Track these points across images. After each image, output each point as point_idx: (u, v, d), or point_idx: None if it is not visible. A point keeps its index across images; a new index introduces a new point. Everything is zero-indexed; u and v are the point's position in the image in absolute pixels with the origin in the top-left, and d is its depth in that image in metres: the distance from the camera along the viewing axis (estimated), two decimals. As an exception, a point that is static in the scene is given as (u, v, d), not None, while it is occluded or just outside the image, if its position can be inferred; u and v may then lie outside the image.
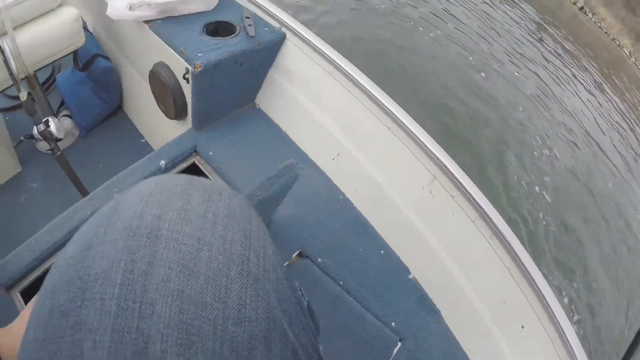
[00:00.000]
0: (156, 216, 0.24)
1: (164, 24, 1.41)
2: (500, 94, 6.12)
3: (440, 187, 1.29)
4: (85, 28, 1.95)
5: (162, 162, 1.39)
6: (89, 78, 2.05)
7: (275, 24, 1.52)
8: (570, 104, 7.88)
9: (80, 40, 1.73)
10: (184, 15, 1.45)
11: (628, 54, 19.84)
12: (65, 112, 2.15)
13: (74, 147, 2.11)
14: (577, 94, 8.81)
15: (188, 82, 1.35)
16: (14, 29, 1.54)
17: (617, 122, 9.21)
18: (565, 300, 3.55)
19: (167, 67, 1.45)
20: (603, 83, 11.43)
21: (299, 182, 1.49)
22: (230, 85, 1.47)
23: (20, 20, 1.57)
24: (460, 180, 1.22)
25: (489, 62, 6.93)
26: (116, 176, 1.34)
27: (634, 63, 19.28)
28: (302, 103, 1.55)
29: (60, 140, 1.63)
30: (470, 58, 6.61)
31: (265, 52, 1.49)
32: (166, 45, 1.38)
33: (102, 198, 1.27)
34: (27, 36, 1.58)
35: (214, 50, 1.34)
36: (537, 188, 4.62)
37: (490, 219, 1.19)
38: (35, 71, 1.69)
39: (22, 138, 1.71)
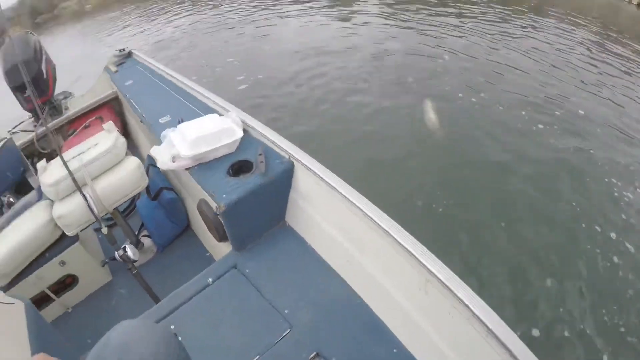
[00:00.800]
0: None
1: (199, 170, 1.73)
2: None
3: (434, 289, 1.34)
4: (153, 165, 2.42)
5: (210, 279, 1.68)
6: (160, 205, 2.49)
7: (285, 155, 1.76)
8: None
9: (144, 183, 2.14)
10: (213, 160, 1.77)
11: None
12: (145, 232, 2.60)
13: (153, 261, 2.53)
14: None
15: (220, 217, 1.64)
16: (92, 180, 1.99)
17: None
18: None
19: (207, 203, 1.75)
20: None
21: (319, 289, 1.66)
22: (255, 213, 1.71)
23: (97, 172, 2.03)
24: (450, 285, 1.27)
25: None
26: (176, 290, 1.66)
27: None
28: (319, 221, 1.73)
29: (136, 261, 2.01)
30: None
31: (279, 182, 1.73)
32: (201, 188, 1.69)
33: (166, 307, 1.61)
34: (103, 184, 2.01)
35: (235, 189, 1.61)
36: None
37: (482, 320, 1.20)
38: (114, 208, 2.14)
39: (106, 260, 2.10)
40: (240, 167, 1.74)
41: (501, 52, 7.72)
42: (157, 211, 2.51)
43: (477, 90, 6.07)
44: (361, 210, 1.50)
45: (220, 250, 2.09)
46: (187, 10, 13.46)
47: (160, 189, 2.37)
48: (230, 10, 12.65)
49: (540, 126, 5.22)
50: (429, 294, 1.37)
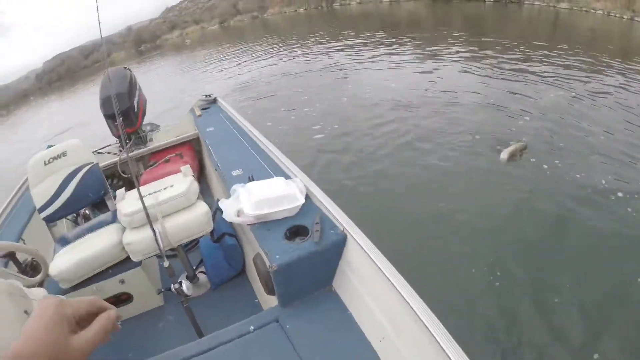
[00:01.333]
0: None
1: (259, 228, 1.85)
2: None
3: None
4: (221, 210, 2.64)
5: (252, 327, 1.77)
6: (221, 247, 2.67)
7: (339, 226, 1.85)
8: None
9: (209, 228, 2.32)
10: (274, 220, 1.89)
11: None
12: (202, 268, 2.78)
13: (205, 297, 2.69)
14: None
15: (271, 274, 1.73)
16: (163, 217, 2.21)
17: None
18: None
19: (262, 258, 1.86)
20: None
21: (352, 357, 1.67)
22: (304, 277, 1.80)
23: (168, 211, 2.24)
24: None
25: None
26: (220, 330, 1.78)
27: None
28: (362, 292, 1.78)
29: (188, 296, 2.17)
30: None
31: (331, 251, 1.80)
32: (258, 244, 1.81)
33: (206, 343, 1.72)
34: (172, 223, 2.22)
35: (289, 253, 1.71)
36: None
37: None
38: (178, 245, 2.34)
39: (162, 289, 2.27)
40: (297, 231, 1.85)
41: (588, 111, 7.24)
42: (216, 252, 2.68)
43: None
44: (402, 296, 1.54)
45: (268, 301, 2.19)
46: (276, 53, 14.33)
47: (223, 234, 2.56)
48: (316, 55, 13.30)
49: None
50: None
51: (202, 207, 2.33)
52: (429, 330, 1.45)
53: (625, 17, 17.15)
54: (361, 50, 13.87)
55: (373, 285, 1.72)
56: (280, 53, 14.68)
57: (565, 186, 4.94)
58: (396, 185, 5.24)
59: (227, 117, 3.81)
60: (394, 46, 13.94)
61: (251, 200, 1.89)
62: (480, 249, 3.98)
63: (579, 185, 4.94)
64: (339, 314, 1.84)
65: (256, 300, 2.57)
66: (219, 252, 2.67)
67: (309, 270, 1.79)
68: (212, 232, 2.67)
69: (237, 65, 13.44)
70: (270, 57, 14.04)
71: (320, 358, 1.65)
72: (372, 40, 15.41)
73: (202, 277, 2.74)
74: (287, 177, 2.27)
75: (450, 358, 1.35)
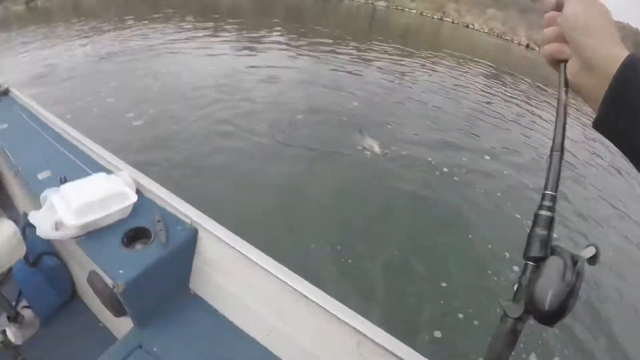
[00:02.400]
0: None
1: (88, 240, 1.54)
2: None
3: (367, 350, 1.35)
4: (32, 225, 2.13)
5: None
6: (40, 270, 2.17)
7: (187, 220, 1.66)
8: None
9: (21, 251, 1.86)
10: (104, 227, 1.59)
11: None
12: (24, 302, 2.24)
13: (38, 337, 2.17)
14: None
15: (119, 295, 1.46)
16: None
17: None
18: None
19: (99, 276, 1.55)
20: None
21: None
22: (157, 286, 1.58)
23: None
24: (386, 345, 1.28)
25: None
26: None
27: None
28: (229, 289, 1.65)
29: (19, 345, 1.71)
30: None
31: (182, 251, 1.62)
32: (91, 260, 1.50)
33: None
34: None
35: (133, 264, 1.46)
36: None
37: None
38: None
39: None
40: (135, 235, 1.60)
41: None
42: (36, 278, 2.18)
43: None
44: (279, 279, 1.46)
45: (119, 324, 1.88)
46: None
47: (39, 254, 2.08)
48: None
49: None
50: (362, 356, 1.37)
51: (8, 228, 1.83)
52: (317, 304, 1.40)
53: (435, 17, 20.45)
54: (179, 33, 13.11)
55: (242, 277, 1.60)
56: (90, 37, 12.83)
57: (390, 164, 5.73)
58: (225, 168, 5.18)
59: (24, 110, 3.09)
60: (213, 31, 13.60)
61: (71, 208, 1.57)
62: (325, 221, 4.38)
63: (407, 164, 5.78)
64: (208, 318, 1.67)
65: (101, 325, 2.19)
66: (39, 277, 2.17)
67: (162, 278, 1.58)
68: (25, 256, 2.15)
69: (39, 49, 11.25)
70: (79, 41, 12.16)
71: None
72: (192, 25, 14.73)
73: (27, 313, 2.20)
74: (109, 171, 1.95)
75: (350, 325, 1.33)
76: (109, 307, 1.58)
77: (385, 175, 5.32)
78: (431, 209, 4.82)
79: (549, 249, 0.64)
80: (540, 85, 13.97)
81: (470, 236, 4.40)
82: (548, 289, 0.60)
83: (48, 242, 2.16)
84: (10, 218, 1.89)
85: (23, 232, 2.07)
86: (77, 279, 2.21)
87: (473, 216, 4.78)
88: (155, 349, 1.53)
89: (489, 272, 3.93)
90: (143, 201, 1.74)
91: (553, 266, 0.62)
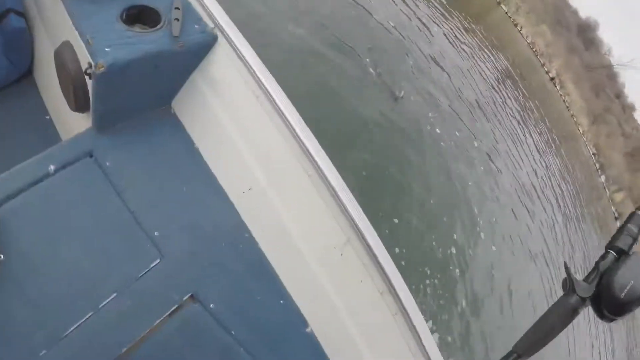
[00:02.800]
0: None
1: None
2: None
3: (352, 252, 1.23)
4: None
5: (52, 167, 1.19)
6: (0, 31, 1.87)
7: (210, 22, 1.31)
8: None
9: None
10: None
11: (581, 132, 21.28)
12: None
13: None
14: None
15: (90, 77, 1.15)
16: None
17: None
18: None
19: (73, 51, 1.23)
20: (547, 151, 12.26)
21: (200, 209, 1.34)
22: (141, 88, 1.28)
23: None
24: (374, 249, 1.16)
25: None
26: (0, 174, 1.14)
27: (585, 142, 20.69)
28: (221, 121, 1.37)
29: None
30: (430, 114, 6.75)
31: (190, 55, 1.31)
32: (72, 25, 1.16)
33: None
34: None
35: (127, 45, 1.13)
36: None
37: (398, 296, 1.15)
38: None
39: None
40: (138, 15, 1.25)
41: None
42: (-9, 40, 1.88)
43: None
44: (292, 128, 1.20)
45: (70, 121, 1.57)
46: None
47: (7, 10, 1.76)
48: None
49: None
50: (344, 257, 1.24)
51: None
52: (320, 178, 1.19)
53: None
54: None
55: (243, 111, 1.32)
56: None
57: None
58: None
59: None
60: None
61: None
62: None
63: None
64: (182, 148, 1.41)
65: (47, 117, 1.87)
66: (-4, 40, 1.87)
67: (152, 78, 1.26)
68: (-14, 8, 1.83)
69: None
70: None
71: (159, 213, 1.25)
72: None
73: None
74: None
75: (351, 219, 1.17)
76: (69, 93, 1.28)
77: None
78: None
79: (632, 247, 0.68)
80: (541, 119, 14.05)
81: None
82: (629, 280, 0.62)
83: None
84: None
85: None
86: (38, 54, 1.83)
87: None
88: (107, 164, 1.26)
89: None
90: None
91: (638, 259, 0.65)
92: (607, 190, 20.80)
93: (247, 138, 1.35)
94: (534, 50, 20.69)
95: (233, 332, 1.21)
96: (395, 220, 4.55)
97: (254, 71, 1.24)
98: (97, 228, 1.19)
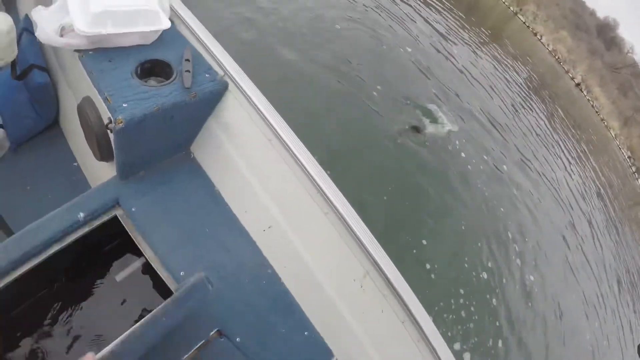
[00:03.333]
0: None
1: (95, 57, 1.21)
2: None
3: (371, 283, 1.24)
4: (30, 31, 1.77)
5: (81, 215, 1.23)
6: (25, 86, 1.84)
7: (219, 70, 1.34)
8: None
9: (11, 54, 1.55)
10: (118, 48, 1.26)
11: (613, 135, 20.51)
12: (-2, 119, 1.92)
13: (2, 161, 1.89)
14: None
15: (111, 132, 1.17)
16: None
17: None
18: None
19: (94, 106, 1.26)
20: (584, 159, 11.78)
21: (223, 249, 1.36)
22: (159, 137, 1.30)
23: None
24: (393, 281, 1.17)
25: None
26: (33, 224, 1.19)
27: (618, 146, 19.90)
28: (237, 163, 1.41)
29: None
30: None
31: (203, 104, 1.33)
32: (91, 83, 1.19)
33: (15, 247, 1.14)
34: None
35: (142, 100, 1.15)
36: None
37: (419, 324, 1.15)
38: None
39: None
40: (152, 69, 1.27)
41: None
42: (18, 94, 1.86)
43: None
44: (305, 169, 1.22)
45: (97, 167, 1.62)
46: None
47: (30, 66, 1.73)
48: None
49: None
50: (364, 289, 1.25)
51: (3, 22, 1.50)
52: (335, 214, 1.20)
53: (511, 8, 18.94)
54: None
55: (258, 154, 1.35)
56: None
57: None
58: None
59: None
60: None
61: (88, 11, 1.21)
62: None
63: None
64: (202, 191, 1.44)
65: (75, 164, 1.91)
66: (22, 94, 1.85)
67: (169, 128, 1.29)
68: (13, 63, 1.81)
69: None
70: None
71: (183, 253, 1.28)
72: None
73: (-2, 133, 1.89)
74: None
75: (368, 252, 1.18)
76: (94, 145, 1.31)
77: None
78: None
79: None
80: (571, 126, 13.59)
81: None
82: None
83: (43, 54, 1.81)
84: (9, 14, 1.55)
85: (19, 36, 1.73)
86: (63, 105, 1.89)
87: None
88: (133, 209, 1.30)
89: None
90: (174, 33, 1.40)
91: None
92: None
93: (262, 179, 1.38)
94: (556, 57, 20.28)
95: None
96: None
97: (264, 115, 1.27)
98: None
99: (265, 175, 1.37)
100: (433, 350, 1.16)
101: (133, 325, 1.04)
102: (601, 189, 12.50)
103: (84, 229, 1.24)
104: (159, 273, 1.25)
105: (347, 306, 1.31)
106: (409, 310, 1.17)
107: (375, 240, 1.21)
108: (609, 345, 6.14)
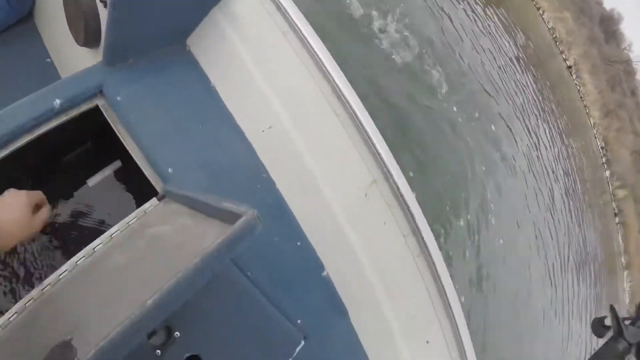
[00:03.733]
0: None
1: None
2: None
3: (377, 193, 1.21)
4: None
5: (57, 102, 1.09)
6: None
7: None
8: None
9: None
10: None
11: (592, 124, 21.00)
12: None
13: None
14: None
15: (105, 6, 1.06)
16: None
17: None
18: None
19: None
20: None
21: (216, 148, 1.29)
22: (158, 18, 1.18)
23: None
24: (402, 191, 1.14)
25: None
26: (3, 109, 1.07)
27: (594, 135, 20.47)
28: (242, 59, 1.31)
29: None
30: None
31: None
32: None
33: None
34: None
35: None
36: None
37: (422, 238, 1.15)
38: None
39: None
40: None
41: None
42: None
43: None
44: (322, 65, 1.15)
45: (75, 60, 1.48)
46: None
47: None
48: None
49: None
50: (368, 199, 1.22)
51: None
52: (355, 115, 1.14)
53: None
54: None
55: (267, 43, 1.27)
56: None
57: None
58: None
59: None
60: None
61: None
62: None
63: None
64: (197, 86, 1.35)
65: (48, 60, 1.78)
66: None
67: (172, 7, 1.17)
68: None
69: None
70: None
71: (174, 150, 1.19)
72: None
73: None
74: None
75: (380, 158, 1.14)
76: (79, 25, 1.19)
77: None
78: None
79: None
80: (555, 104, 13.85)
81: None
82: None
83: None
84: None
85: None
86: None
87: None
88: (118, 98, 1.18)
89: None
90: None
91: None
92: (610, 185, 20.68)
93: (271, 76, 1.31)
94: (554, 36, 20.19)
95: (249, 274, 1.16)
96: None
97: (281, 4, 1.17)
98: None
99: (273, 72, 1.30)
100: (432, 265, 1.15)
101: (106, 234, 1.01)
102: (569, 170, 12.95)
103: (59, 118, 1.10)
104: (143, 170, 1.13)
105: (347, 217, 1.29)
106: (415, 223, 1.15)
107: (387, 148, 1.17)
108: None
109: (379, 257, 1.28)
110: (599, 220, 15.40)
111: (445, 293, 1.16)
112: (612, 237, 18.93)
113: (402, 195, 1.14)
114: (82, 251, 1.01)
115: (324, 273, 1.33)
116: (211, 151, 1.27)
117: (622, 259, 20.11)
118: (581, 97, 20.83)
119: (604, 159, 20.66)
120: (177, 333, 0.89)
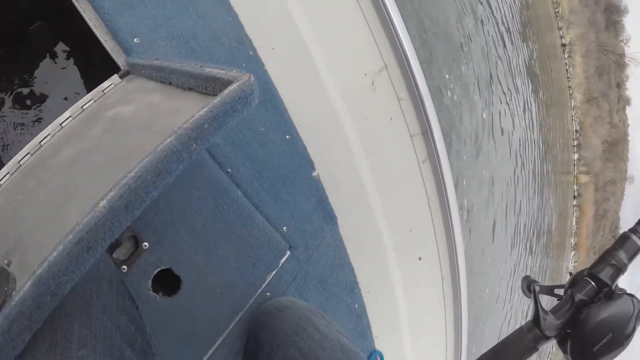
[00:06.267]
0: None
1: None
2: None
3: (387, 82, 1.04)
4: None
5: None
6: None
7: None
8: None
9: None
10: None
11: (572, 106, 21.35)
12: None
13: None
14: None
15: None
16: None
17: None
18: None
19: None
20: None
21: (195, 17, 1.04)
22: None
23: None
24: (418, 82, 0.99)
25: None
26: None
27: (572, 117, 20.88)
28: None
29: None
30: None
31: None
32: None
33: None
34: None
35: None
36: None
37: (433, 139, 1.02)
38: None
39: None
40: None
41: None
42: None
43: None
44: None
45: None
46: None
47: None
48: None
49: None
50: (375, 88, 1.04)
51: None
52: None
53: None
54: None
55: None
56: None
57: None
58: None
59: None
60: None
61: None
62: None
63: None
64: None
65: None
66: None
67: None
68: None
69: None
70: None
71: (139, 11, 0.93)
72: None
73: None
74: None
75: (395, 41, 0.97)
76: None
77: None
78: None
79: (617, 280, 0.55)
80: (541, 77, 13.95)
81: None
82: (608, 332, 0.49)
83: None
84: None
85: None
86: None
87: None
88: None
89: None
90: None
91: (626, 305, 0.52)
92: (575, 168, 21.41)
93: None
94: (556, 10, 19.93)
95: (229, 170, 0.98)
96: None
97: None
98: None
99: None
100: (438, 172, 1.04)
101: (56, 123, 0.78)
102: (541, 145, 13.26)
103: None
104: (102, 43, 0.88)
105: (348, 109, 1.10)
106: (428, 122, 1.00)
107: (406, 32, 0.99)
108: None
109: (378, 159, 1.12)
110: (560, 197, 16.02)
111: (448, 203, 1.06)
112: (568, 217, 19.84)
113: (417, 86, 0.99)
114: (26, 147, 0.81)
115: (314, 173, 1.14)
116: (187, 18, 1.01)
117: (572, 240, 21.26)
118: (568, 78, 20.98)
119: (575, 142, 21.21)
120: (145, 244, 0.78)
